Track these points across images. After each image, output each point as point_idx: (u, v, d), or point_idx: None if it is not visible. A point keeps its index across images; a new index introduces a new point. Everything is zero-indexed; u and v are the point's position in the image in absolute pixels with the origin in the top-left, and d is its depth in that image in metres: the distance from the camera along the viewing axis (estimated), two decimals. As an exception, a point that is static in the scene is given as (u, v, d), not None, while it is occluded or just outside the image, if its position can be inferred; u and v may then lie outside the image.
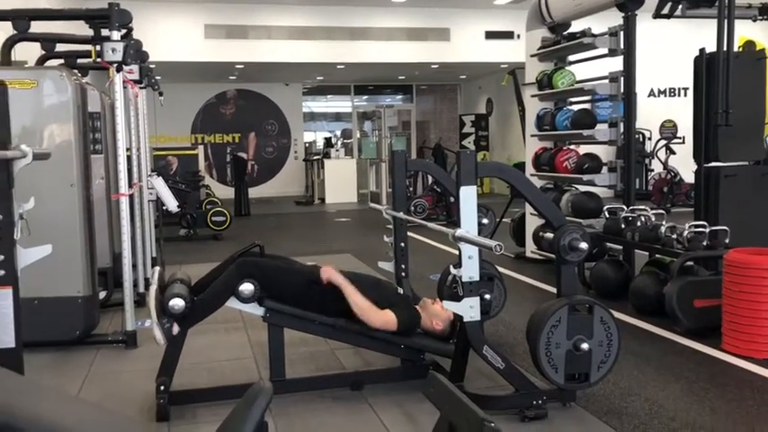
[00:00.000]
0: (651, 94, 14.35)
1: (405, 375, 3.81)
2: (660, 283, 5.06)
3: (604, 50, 6.09)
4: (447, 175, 4.49)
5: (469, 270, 3.22)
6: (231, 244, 9.50)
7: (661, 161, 12.36)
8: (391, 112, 18.54)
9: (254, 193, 13.78)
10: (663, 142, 12.67)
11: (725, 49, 5.24)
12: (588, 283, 5.90)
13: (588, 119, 6.26)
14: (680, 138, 12.60)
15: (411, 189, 11.80)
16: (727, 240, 4.91)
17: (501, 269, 5.14)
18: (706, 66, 5.66)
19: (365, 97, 18.42)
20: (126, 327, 4.61)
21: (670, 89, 14.51)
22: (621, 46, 5.90)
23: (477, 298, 3.26)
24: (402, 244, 4.31)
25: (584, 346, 3.27)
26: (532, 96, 6.95)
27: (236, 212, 12.10)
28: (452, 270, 3.27)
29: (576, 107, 6.75)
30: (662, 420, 3.25)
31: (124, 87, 4.75)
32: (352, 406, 3.50)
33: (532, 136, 7.00)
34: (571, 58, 6.85)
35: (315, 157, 15.39)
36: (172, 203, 5.41)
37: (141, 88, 5.86)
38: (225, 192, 14.55)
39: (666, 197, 11.48)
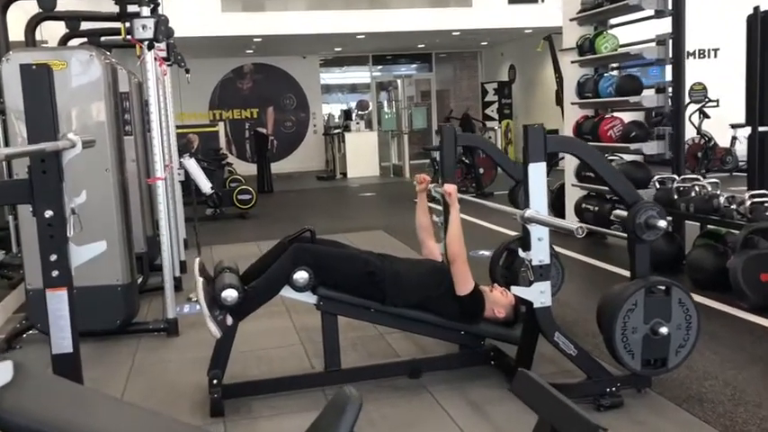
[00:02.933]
0: (677, 56, 13.89)
1: (464, 362, 3.64)
2: (719, 256, 4.83)
3: (650, 12, 5.79)
4: (499, 149, 4.26)
5: (540, 253, 3.02)
6: (258, 222, 9.37)
7: (695, 125, 11.98)
8: (410, 81, 18.23)
9: (274, 168, 13.57)
10: (694, 106, 12.28)
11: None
12: (638, 256, 5.67)
13: (634, 85, 5.98)
14: (714, 101, 12.20)
15: (438, 161, 11.53)
16: (792, 210, 4.66)
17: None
18: (761, 24, 5.37)
19: (379, 67, 18.04)
20: (167, 314, 4.46)
21: (699, 51, 14.05)
22: (670, 6, 5.59)
23: (548, 282, 3.06)
24: (453, 223, 4.09)
25: (663, 330, 3.07)
26: (572, 62, 6.65)
27: (258, 189, 11.93)
28: (520, 253, 3.07)
29: (616, 73, 6.46)
30: (748, 408, 3.05)
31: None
32: (414, 396, 3.33)
33: (573, 104, 6.72)
34: (613, 21, 6.54)
35: (335, 131, 15.14)
36: (206, 185, 5.24)
37: (168, 65, 5.66)
38: (246, 168, 14.35)
39: (701, 163, 11.14)
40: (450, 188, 3.57)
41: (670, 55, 5.65)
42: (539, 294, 3.06)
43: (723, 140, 11.94)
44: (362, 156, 14.48)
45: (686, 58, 6.52)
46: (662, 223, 3.04)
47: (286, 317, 4.68)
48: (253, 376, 3.59)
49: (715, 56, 13.85)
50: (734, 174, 11.31)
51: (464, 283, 3.34)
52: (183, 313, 4.87)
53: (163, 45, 4.90)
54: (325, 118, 17.26)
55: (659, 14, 5.72)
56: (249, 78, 16.60)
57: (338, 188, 13.29)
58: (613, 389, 3.15)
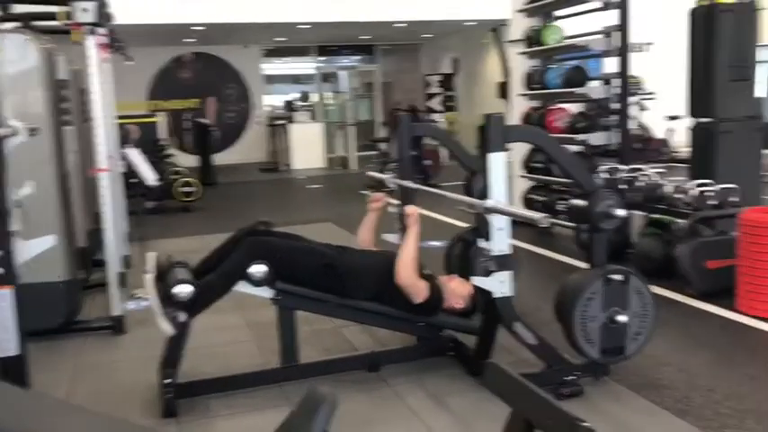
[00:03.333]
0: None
1: (422, 353, 3.61)
2: (665, 245, 4.94)
3: (597, 4, 5.87)
4: (455, 140, 4.23)
5: (500, 243, 3.01)
6: (203, 215, 9.13)
7: (631, 118, 12.26)
8: (354, 73, 18.13)
9: (216, 160, 13.25)
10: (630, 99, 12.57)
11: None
12: (585, 245, 5.76)
13: (580, 76, 6.06)
14: (651, 93, 12.52)
15: (386, 153, 11.50)
16: (737, 198, 4.80)
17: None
18: (704, 19, 5.50)
19: (323, 59, 17.80)
20: (112, 312, 4.28)
21: (633, 45, 14.38)
22: (616, -1, 5.68)
23: (509, 272, 3.05)
24: (409, 214, 4.04)
25: (621, 318, 3.10)
26: (520, 54, 6.69)
27: (202, 181, 11.63)
28: (481, 244, 3.05)
29: (564, 64, 6.54)
30: (702, 392, 3.12)
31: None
32: (374, 390, 3.28)
33: (520, 95, 6.77)
34: (559, 13, 6.60)
35: (279, 122, 14.91)
36: (150, 176, 5.03)
37: (111, 53, 5.41)
38: (186, 160, 13.95)
39: (638, 154, 11.42)
40: (412, 210, 3.48)
41: (617, 46, 5.74)
42: (499, 284, 3.05)
43: (659, 132, 12.31)
44: (308, 147, 14.31)
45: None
46: (620, 212, 3.06)
47: (235, 312, 4.54)
48: (206, 374, 3.45)
49: (648, 50, 14.21)
50: (669, 164, 11.65)
51: (417, 297, 3.28)
52: (129, 310, 4.68)
53: (104, 30, 4.67)
54: (267, 109, 16.99)
55: (606, 6, 5.80)
56: (189, 68, 16.17)
57: (284, 180, 13.11)
58: (572, 377, 3.18)
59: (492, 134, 2.93)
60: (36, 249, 2.00)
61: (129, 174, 7.09)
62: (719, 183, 4.89)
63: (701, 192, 4.76)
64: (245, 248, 3.10)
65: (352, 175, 13.17)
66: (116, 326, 4.25)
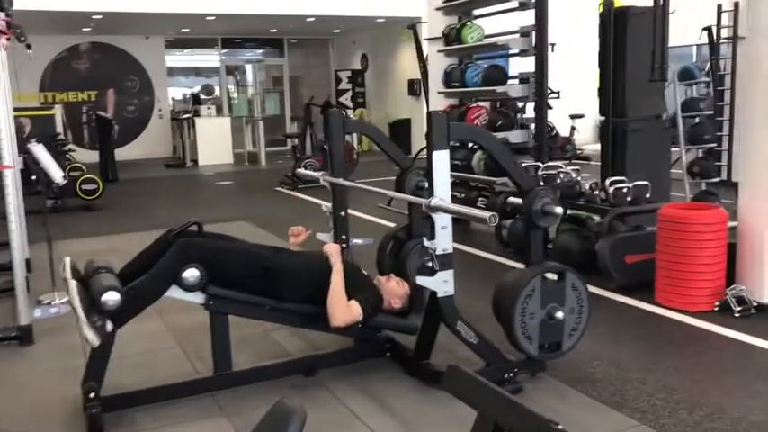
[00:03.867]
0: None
1: (360, 355, 3.54)
2: (583, 240, 5.09)
3: (514, 4, 5.97)
4: (385, 136, 4.18)
5: (443, 242, 2.97)
6: (107, 214, 8.68)
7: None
8: (261, 66, 17.75)
9: (117, 155, 12.61)
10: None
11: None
12: (506, 241, 5.87)
13: (500, 75, 6.15)
14: (555, 93, 12.95)
15: (300, 149, 11.31)
16: (648, 195, 5.00)
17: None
18: (614, 21, 5.71)
19: (224, 51, 17.29)
20: (19, 320, 3.96)
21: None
22: (533, -1, 5.80)
23: (451, 271, 3.02)
24: (342, 213, 3.97)
25: (559, 314, 3.15)
26: (439, 52, 6.72)
27: (103, 178, 11.05)
28: (425, 242, 3.00)
29: (482, 62, 6.62)
30: (634, 385, 3.21)
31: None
32: (313, 395, 3.17)
33: (439, 93, 6.80)
34: (477, 12, 6.68)
35: (184, 116, 14.39)
36: (57, 174, 4.70)
37: (7, 40, 4.99)
38: (84, 156, 13.19)
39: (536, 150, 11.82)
40: (332, 248, 3.36)
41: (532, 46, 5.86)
42: (442, 283, 3.02)
43: (563, 130, 12.77)
44: (214, 142, 13.88)
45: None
46: (558, 210, 3.10)
47: (155, 318, 4.29)
48: (131, 386, 3.24)
49: (552, 50, 14.70)
50: (573, 161, 12.10)
51: (355, 320, 3.19)
52: (36, 317, 4.35)
53: (3, 15, 4.31)
54: (171, 103, 16.38)
55: (523, 6, 5.92)
56: (86, 58, 15.32)
57: (191, 176, 12.65)
58: (512, 374, 3.20)
59: (436, 132, 2.88)
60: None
61: (26, 171, 6.62)
62: (630, 180, 5.08)
63: (617, 189, 4.93)
64: (176, 251, 2.92)
65: (263, 172, 12.90)
66: (23, 336, 3.93)
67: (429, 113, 2.91)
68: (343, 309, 3.10)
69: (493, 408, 1.66)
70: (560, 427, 1.42)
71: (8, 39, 4.93)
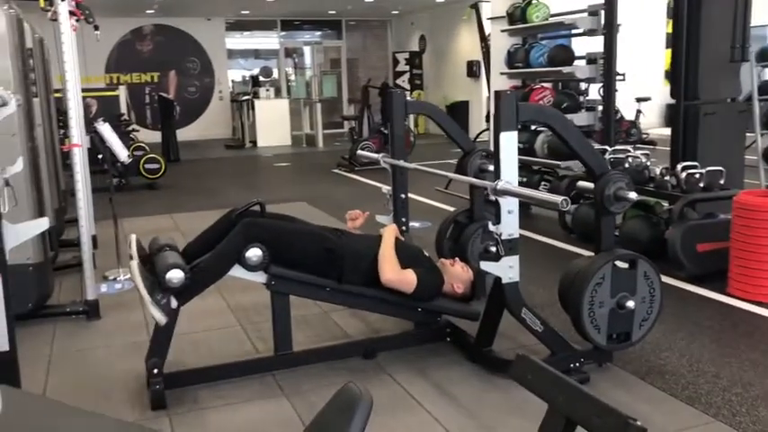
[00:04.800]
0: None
1: (419, 340, 3.49)
2: (652, 227, 4.91)
3: (582, -18, 5.76)
4: (449, 117, 4.09)
5: (509, 226, 2.88)
6: (169, 193, 8.83)
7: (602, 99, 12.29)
8: (319, 49, 17.77)
9: (178, 136, 12.86)
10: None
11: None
12: (570, 227, 5.71)
13: (567, 55, 5.96)
14: (620, 75, 12.55)
15: (357, 131, 11.28)
16: (722, 181, 4.78)
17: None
18: (690, 1, 5.44)
19: (283, 33, 17.36)
20: (86, 295, 4.05)
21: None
22: (603, -23, 5.58)
23: (517, 257, 2.94)
24: (402, 195, 3.90)
25: (629, 303, 3.02)
26: (503, 31, 6.56)
27: (165, 158, 11.27)
28: (490, 227, 2.92)
29: (546, 42, 6.44)
30: (708, 379, 3.07)
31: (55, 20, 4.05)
32: (373, 379, 3.14)
33: (502, 74, 6.65)
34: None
35: (244, 98, 14.53)
36: (123, 153, 4.78)
37: (77, 21, 5.09)
38: (146, 136, 13.48)
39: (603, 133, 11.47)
40: (390, 227, 3.40)
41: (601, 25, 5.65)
42: (507, 269, 2.94)
43: (628, 114, 12.35)
44: (273, 124, 13.99)
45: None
46: (632, 195, 2.97)
47: (217, 296, 4.35)
48: (193, 363, 3.28)
49: (617, 31, 14.24)
50: (638, 145, 11.71)
51: (406, 286, 3.17)
52: (102, 293, 4.45)
53: (73, -4, 4.38)
54: (230, 85, 16.57)
55: (592, -15, 5.70)
56: (149, 40, 15.63)
57: (250, 157, 12.79)
58: (577, 364, 3.10)
59: (504, 112, 2.79)
60: (28, 233, 1.79)
61: (92, 150, 6.78)
62: (702, 165, 4.86)
63: (690, 174, 4.72)
64: (240, 231, 2.91)
65: (320, 154, 12.93)
66: (90, 311, 4.03)
67: (496, 93, 2.81)
68: (394, 264, 3.13)
69: (565, 401, 1.58)
70: (639, 423, 1.34)
71: (77, 20, 5.02)
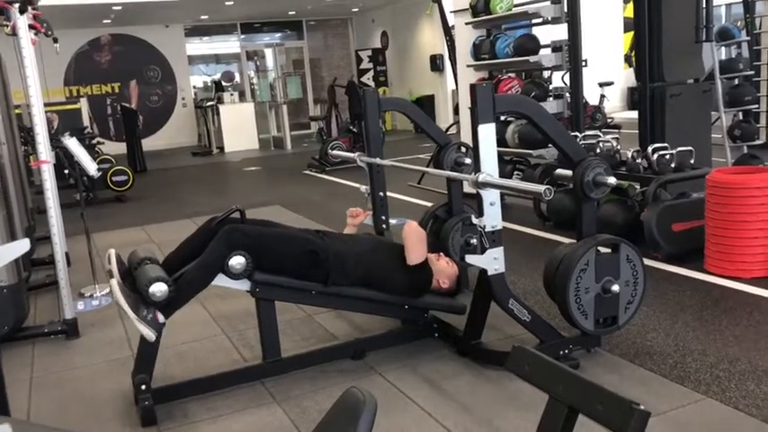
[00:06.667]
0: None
1: (408, 337, 3.48)
2: (627, 210, 4.96)
3: (543, -29, 5.80)
4: (423, 113, 4.08)
5: (492, 218, 2.88)
6: (139, 205, 8.70)
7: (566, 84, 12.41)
8: (281, 50, 17.65)
9: (143, 146, 12.66)
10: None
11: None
12: (546, 215, 5.75)
13: (533, 44, 5.99)
14: (583, 61, 12.68)
15: (325, 130, 11.23)
16: (692, 161, 4.86)
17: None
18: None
19: (244, 36, 17.17)
20: (64, 314, 3.96)
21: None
22: (564, -35, 5.62)
23: (501, 248, 2.94)
24: (381, 193, 3.89)
25: (614, 287, 3.05)
26: (467, 24, 6.57)
27: (131, 169, 11.09)
28: (473, 220, 2.92)
29: (510, 33, 6.46)
30: (695, 357, 3.11)
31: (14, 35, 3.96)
32: (364, 379, 3.12)
33: (468, 66, 6.66)
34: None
35: (208, 104, 14.38)
36: (91, 167, 4.68)
37: (36, 34, 4.96)
38: (111, 148, 13.27)
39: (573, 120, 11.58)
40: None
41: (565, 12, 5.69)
42: (492, 261, 2.94)
43: (591, 99, 12.48)
44: (239, 129, 13.87)
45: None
46: (611, 180, 3.00)
47: (197, 305, 4.29)
48: (181, 376, 3.23)
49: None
50: (603, 129, 11.84)
51: (417, 256, 3.19)
52: (79, 311, 4.36)
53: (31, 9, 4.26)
54: (193, 91, 16.38)
55: (553, -27, 5.73)
56: (108, 50, 15.36)
57: (218, 163, 12.66)
58: (567, 351, 3.12)
59: (481, 105, 2.78)
60: (10, 256, 1.73)
61: (59, 165, 6.66)
62: (671, 146, 4.92)
63: (661, 156, 4.78)
64: (222, 239, 2.86)
65: (290, 156, 12.85)
66: (69, 330, 3.94)
67: (472, 86, 2.80)
68: (424, 248, 3.21)
69: (566, 390, 1.58)
70: (643, 407, 1.34)
71: (36, 33, 4.90)
